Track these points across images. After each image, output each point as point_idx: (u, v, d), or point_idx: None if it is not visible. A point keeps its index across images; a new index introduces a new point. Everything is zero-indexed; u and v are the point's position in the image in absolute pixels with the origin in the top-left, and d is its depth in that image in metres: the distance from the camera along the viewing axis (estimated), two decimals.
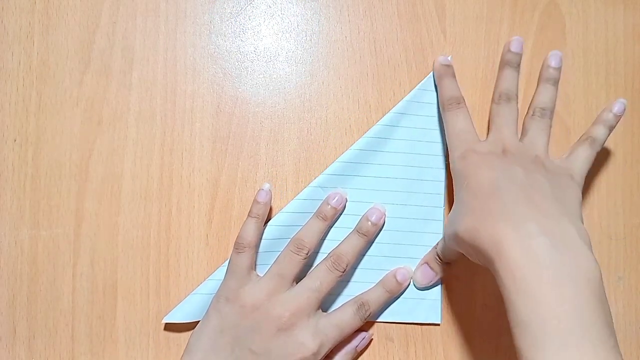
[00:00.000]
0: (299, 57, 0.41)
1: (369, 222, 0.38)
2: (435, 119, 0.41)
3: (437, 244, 0.39)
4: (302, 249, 0.36)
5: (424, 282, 0.39)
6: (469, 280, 0.41)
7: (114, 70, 0.40)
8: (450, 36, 0.42)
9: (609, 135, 0.39)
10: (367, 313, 0.37)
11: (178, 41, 0.40)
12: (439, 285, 0.40)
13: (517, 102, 0.39)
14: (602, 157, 0.43)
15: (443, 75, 0.40)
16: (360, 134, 0.40)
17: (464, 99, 0.39)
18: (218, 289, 0.36)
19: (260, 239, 0.37)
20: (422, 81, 0.41)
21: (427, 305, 0.40)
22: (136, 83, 0.40)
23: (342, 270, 0.36)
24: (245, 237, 0.36)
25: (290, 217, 0.38)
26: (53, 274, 0.38)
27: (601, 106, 0.43)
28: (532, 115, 0.39)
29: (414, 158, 0.40)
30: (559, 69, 0.41)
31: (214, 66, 0.40)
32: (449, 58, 0.40)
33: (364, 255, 0.39)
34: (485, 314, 0.41)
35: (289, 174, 0.40)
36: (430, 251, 0.40)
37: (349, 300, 0.37)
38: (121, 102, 0.40)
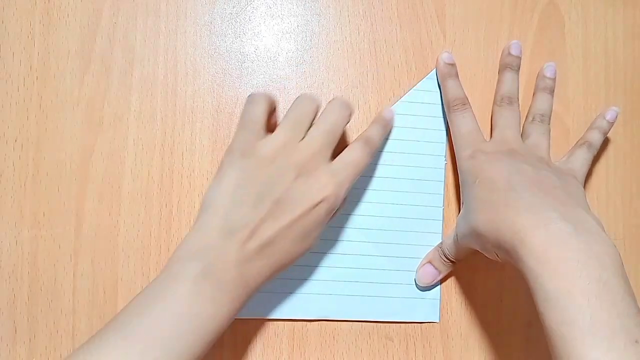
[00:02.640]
0: (299, 58, 0.41)
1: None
2: (435, 119, 0.41)
3: (442, 243, 0.39)
4: (315, 99, 0.35)
5: (427, 281, 0.39)
6: (469, 279, 0.41)
7: (115, 71, 0.40)
8: (449, 37, 0.42)
9: (603, 139, 0.41)
10: (374, 147, 0.36)
11: (178, 41, 0.40)
12: (439, 285, 0.40)
13: (519, 105, 0.40)
14: (602, 157, 0.43)
15: (447, 76, 0.40)
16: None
17: (468, 99, 0.39)
18: (231, 144, 0.35)
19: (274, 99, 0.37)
20: (421, 81, 0.41)
21: (427, 304, 0.40)
22: (137, 83, 0.40)
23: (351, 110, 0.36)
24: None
25: None
26: (54, 273, 0.38)
27: (601, 106, 0.43)
28: (532, 120, 0.40)
29: (414, 158, 0.40)
30: (554, 79, 0.42)
31: (215, 66, 0.41)
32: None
33: (364, 255, 0.40)
34: (485, 313, 0.41)
35: None
36: (433, 250, 0.40)
37: (353, 141, 0.36)
38: (122, 102, 0.40)
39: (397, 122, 0.40)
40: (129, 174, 0.39)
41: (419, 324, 0.40)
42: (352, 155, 0.35)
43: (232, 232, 0.31)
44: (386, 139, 0.40)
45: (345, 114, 0.35)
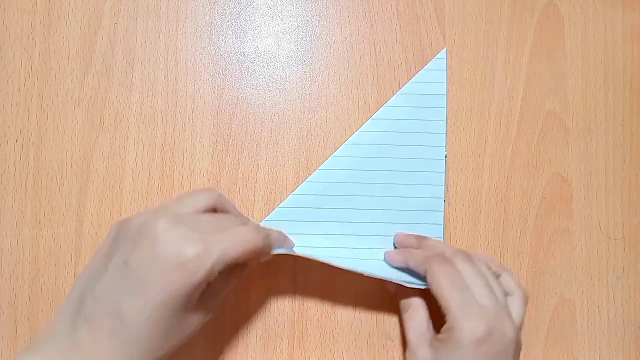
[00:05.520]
0: (299, 58, 0.41)
1: None
2: (434, 110, 0.41)
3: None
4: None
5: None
6: None
7: (115, 71, 0.40)
8: (449, 37, 0.42)
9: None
10: (266, 244, 0.31)
11: (179, 42, 0.41)
12: None
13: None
14: (601, 156, 0.43)
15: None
16: None
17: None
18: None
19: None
20: (418, 73, 0.41)
21: None
22: (137, 83, 0.40)
23: None
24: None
25: (285, 211, 0.39)
26: (54, 273, 0.38)
27: (600, 107, 0.43)
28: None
29: (414, 149, 0.40)
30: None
31: (215, 67, 0.41)
32: (445, 56, 0.40)
33: (366, 248, 0.40)
34: None
35: (289, 174, 0.40)
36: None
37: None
38: (122, 103, 0.40)
39: (397, 114, 0.40)
40: (130, 174, 0.39)
41: None
42: (241, 231, 0.29)
43: None
44: (385, 132, 0.40)
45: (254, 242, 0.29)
